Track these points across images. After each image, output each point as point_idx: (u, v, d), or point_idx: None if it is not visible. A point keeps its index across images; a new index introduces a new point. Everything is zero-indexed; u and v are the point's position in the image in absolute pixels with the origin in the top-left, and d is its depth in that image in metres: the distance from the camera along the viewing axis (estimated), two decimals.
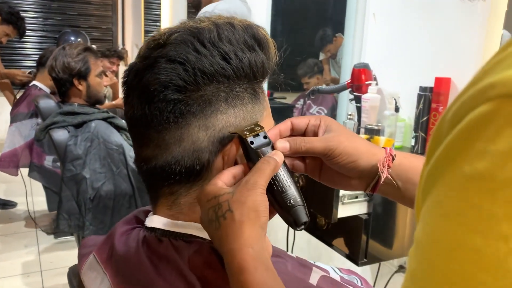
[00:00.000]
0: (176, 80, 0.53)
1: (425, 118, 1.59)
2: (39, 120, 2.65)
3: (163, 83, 0.53)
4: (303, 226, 0.52)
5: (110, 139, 1.80)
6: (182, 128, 0.54)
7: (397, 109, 1.67)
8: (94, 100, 1.92)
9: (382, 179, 0.56)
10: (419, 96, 1.60)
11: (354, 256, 1.52)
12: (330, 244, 1.62)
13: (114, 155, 1.78)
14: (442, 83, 1.54)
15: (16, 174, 2.88)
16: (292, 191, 0.52)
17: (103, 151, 1.76)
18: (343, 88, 1.88)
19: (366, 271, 1.90)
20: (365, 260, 1.52)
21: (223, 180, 0.52)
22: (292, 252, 1.92)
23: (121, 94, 3.92)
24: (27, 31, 3.28)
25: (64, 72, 1.79)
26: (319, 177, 0.61)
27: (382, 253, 1.62)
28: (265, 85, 0.63)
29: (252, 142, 0.53)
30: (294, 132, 0.59)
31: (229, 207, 0.48)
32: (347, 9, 1.97)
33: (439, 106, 1.54)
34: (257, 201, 0.49)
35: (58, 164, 2.95)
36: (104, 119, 1.85)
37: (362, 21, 1.92)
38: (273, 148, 0.55)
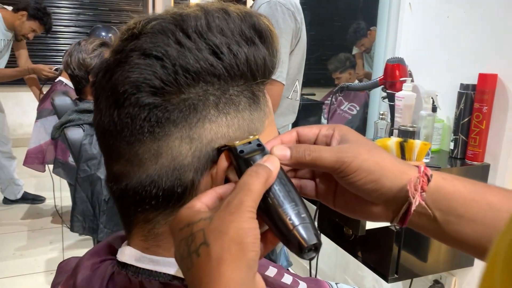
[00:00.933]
0: (151, 80, 0.42)
1: (466, 119, 1.42)
2: None
3: (135, 83, 0.42)
4: (312, 253, 0.39)
5: None
6: (160, 140, 0.43)
7: (434, 109, 1.51)
8: None
9: (414, 207, 0.42)
10: (460, 95, 1.44)
11: (384, 271, 1.38)
12: (357, 256, 1.49)
13: None
14: (487, 80, 1.37)
15: (43, 170, 2.88)
16: (293, 204, 0.39)
17: None
18: (375, 85, 1.73)
19: (397, 286, 1.75)
20: (396, 276, 1.37)
21: (204, 201, 0.40)
22: (317, 260, 1.80)
23: None
24: (59, 27, 3.27)
25: (80, 69, 1.72)
26: (334, 203, 0.48)
27: (416, 267, 1.47)
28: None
29: (242, 151, 0.42)
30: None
31: (205, 238, 0.36)
32: (380, 0, 1.82)
33: (483, 106, 1.37)
34: (242, 230, 0.36)
35: None
36: None
37: (397, 11, 1.75)
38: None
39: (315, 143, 0.46)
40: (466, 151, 1.44)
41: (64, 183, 3.27)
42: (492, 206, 0.42)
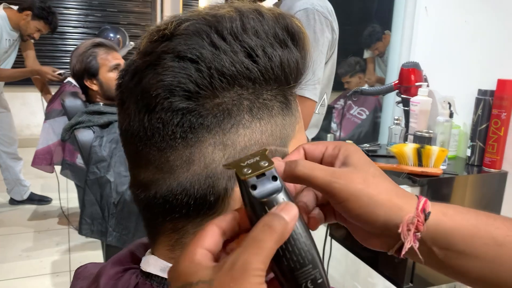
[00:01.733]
0: (186, 83, 0.40)
1: (484, 126, 1.39)
2: None
3: (168, 87, 0.40)
4: None
5: None
6: (192, 146, 0.41)
7: (451, 115, 1.48)
8: (113, 99, 1.82)
9: (406, 249, 0.39)
10: (478, 101, 1.41)
11: (398, 279, 1.35)
12: (371, 264, 1.46)
13: None
14: (506, 86, 1.34)
15: (51, 171, 2.86)
16: (310, 267, 0.34)
17: None
18: (390, 90, 1.71)
19: None
20: (410, 284, 1.34)
21: (206, 246, 0.34)
22: (328, 265, 1.77)
23: None
24: (68, 28, 3.26)
25: (75, 75, 1.72)
26: (335, 217, 0.44)
27: (430, 276, 1.44)
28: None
29: (254, 187, 0.36)
30: None
31: None
32: (395, 2, 1.79)
33: (501, 112, 1.35)
34: None
35: None
36: None
37: (412, 15, 1.73)
38: (286, 195, 0.36)
39: (321, 161, 0.43)
40: (483, 158, 1.41)
41: (71, 184, 3.26)
42: (497, 240, 0.39)
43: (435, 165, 1.29)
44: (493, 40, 1.41)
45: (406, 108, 1.67)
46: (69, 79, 2.91)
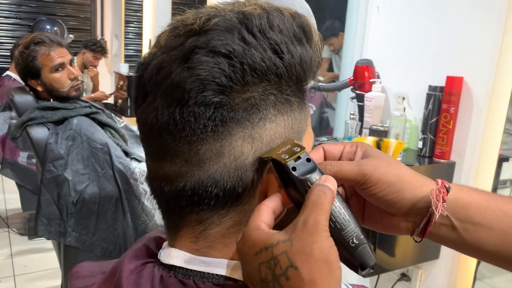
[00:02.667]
0: (219, 78, 0.41)
1: (434, 119, 1.50)
2: (13, 114, 2.47)
3: (202, 81, 0.41)
4: (369, 271, 0.41)
5: (94, 137, 1.65)
6: (223, 139, 0.42)
7: (404, 109, 1.58)
8: (58, 99, 1.72)
9: (437, 217, 0.44)
10: (429, 96, 1.51)
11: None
12: None
13: (99, 155, 1.64)
14: (454, 83, 1.45)
15: None
16: (353, 227, 0.41)
17: (87, 150, 1.62)
18: (345, 86, 1.78)
19: (364, 281, 1.81)
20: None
21: (265, 221, 0.41)
22: None
23: (103, 89, 3.74)
24: None
25: (18, 75, 1.64)
26: (363, 220, 0.50)
27: (386, 263, 1.54)
28: None
29: (294, 168, 0.42)
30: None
31: (291, 262, 0.37)
32: (348, 2, 1.87)
33: (450, 106, 1.46)
34: (325, 249, 0.37)
35: (33, 161, 2.77)
36: (87, 115, 1.70)
37: (365, 14, 1.81)
38: (320, 172, 0.43)
39: (340, 158, 0.48)
40: (434, 149, 1.52)
41: (8, 185, 3.08)
42: (507, 213, 0.45)
43: (393, 157, 1.37)
44: (441, 39, 1.52)
45: (360, 104, 1.76)
46: (8, 72, 2.74)
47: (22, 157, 2.63)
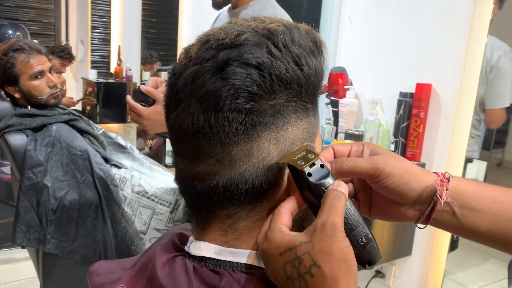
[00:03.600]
0: (251, 87, 0.45)
1: (405, 124, 1.59)
2: None
3: (237, 90, 0.45)
4: (374, 266, 0.47)
5: (74, 143, 1.64)
6: (253, 141, 0.47)
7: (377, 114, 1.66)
8: (37, 106, 1.69)
9: (442, 202, 0.50)
10: (400, 102, 1.60)
11: None
12: None
13: (78, 161, 1.63)
14: (423, 89, 1.55)
15: None
16: (362, 227, 0.47)
17: (66, 157, 1.61)
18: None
19: None
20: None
21: (286, 223, 0.46)
22: None
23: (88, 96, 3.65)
24: None
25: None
26: (370, 212, 0.56)
27: None
28: None
29: (309, 174, 0.47)
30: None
31: (313, 260, 0.42)
32: (322, 12, 1.95)
33: (420, 112, 1.55)
34: (343, 249, 0.42)
35: (2, 169, 2.70)
36: (66, 122, 1.69)
37: (338, 24, 1.90)
38: (333, 178, 0.48)
39: (348, 156, 0.55)
40: (405, 152, 1.61)
41: None
42: (497, 199, 0.52)
43: None
44: (411, 48, 1.62)
45: (335, 109, 1.83)
46: None
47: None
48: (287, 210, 0.47)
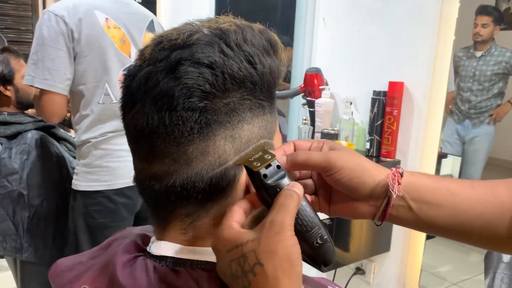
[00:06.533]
0: (204, 85, 0.46)
1: (379, 122, 1.62)
2: None
3: (189, 89, 0.46)
4: (331, 267, 0.48)
5: (50, 150, 1.63)
6: (208, 140, 0.48)
7: (352, 113, 1.68)
8: (26, 105, 1.72)
9: (394, 195, 0.51)
10: (373, 100, 1.63)
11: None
12: None
13: (54, 169, 1.62)
14: (396, 87, 1.57)
15: None
16: (317, 228, 0.46)
17: (42, 164, 1.59)
18: (296, 93, 1.87)
19: (321, 276, 1.90)
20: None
21: (237, 220, 0.45)
22: None
23: None
24: None
25: None
26: (329, 211, 0.57)
27: (343, 257, 1.63)
28: None
29: (265, 175, 0.47)
30: None
31: (257, 259, 0.41)
32: (296, 13, 1.97)
33: (393, 109, 1.58)
34: (289, 248, 0.42)
35: None
36: (42, 129, 1.68)
37: (312, 25, 1.92)
38: (289, 179, 0.48)
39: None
40: (380, 149, 1.63)
41: None
42: (453, 191, 0.53)
43: None
44: (383, 47, 1.65)
45: (311, 109, 1.85)
46: None
47: None
48: (240, 208, 0.47)
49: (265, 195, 0.47)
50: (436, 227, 0.53)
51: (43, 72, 1.37)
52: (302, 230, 0.45)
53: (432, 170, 1.57)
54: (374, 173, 0.52)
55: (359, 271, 1.78)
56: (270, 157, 0.47)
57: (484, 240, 0.53)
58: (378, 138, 1.63)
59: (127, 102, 0.51)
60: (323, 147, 0.54)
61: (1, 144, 1.56)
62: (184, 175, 0.48)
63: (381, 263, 1.72)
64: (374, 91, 1.63)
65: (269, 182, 0.46)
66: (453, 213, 0.52)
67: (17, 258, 1.56)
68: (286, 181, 0.47)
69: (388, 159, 1.61)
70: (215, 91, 0.47)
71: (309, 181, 0.56)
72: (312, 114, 1.83)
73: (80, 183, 1.46)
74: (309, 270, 1.81)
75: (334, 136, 1.64)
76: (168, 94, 0.47)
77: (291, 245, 0.42)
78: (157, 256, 0.51)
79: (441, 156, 1.69)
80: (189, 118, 0.47)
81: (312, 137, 1.81)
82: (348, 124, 1.64)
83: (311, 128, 1.79)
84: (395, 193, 0.51)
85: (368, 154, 1.66)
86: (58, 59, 1.38)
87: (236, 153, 0.49)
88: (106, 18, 1.46)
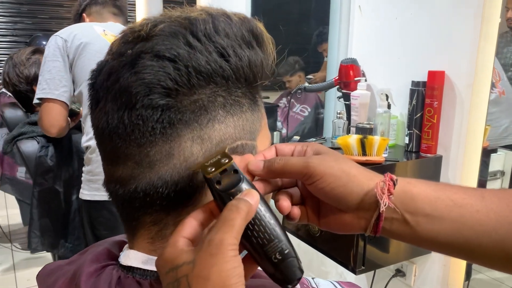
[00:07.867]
0: (165, 81, 0.42)
1: (419, 115, 1.51)
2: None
3: (148, 85, 0.42)
4: (296, 284, 0.40)
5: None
6: (172, 141, 0.43)
7: (389, 106, 1.58)
8: None
9: (383, 208, 0.43)
10: (412, 92, 1.52)
11: (352, 264, 1.43)
12: (324, 252, 1.53)
13: None
14: (436, 77, 1.45)
15: None
16: (276, 241, 0.40)
17: (77, 162, 1.63)
18: (331, 86, 1.79)
19: (360, 277, 1.82)
20: (363, 267, 1.43)
21: (186, 235, 0.40)
22: None
23: None
24: None
25: (21, 83, 1.65)
26: (319, 222, 0.50)
27: (380, 259, 1.53)
28: None
29: (219, 182, 0.41)
30: None
31: (189, 286, 0.36)
32: (331, 3, 1.88)
33: (433, 101, 1.46)
34: (224, 272, 0.35)
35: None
36: (77, 128, 1.72)
37: (348, 14, 1.83)
38: (248, 184, 0.42)
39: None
40: (420, 144, 1.52)
41: (10, 201, 3.10)
42: (456, 202, 0.44)
43: (378, 154, 1.38)
44: (422, 35, 1.53)
45: (347, 102, 1.76)
46: (4, 90, 2.78)
47: (21, 172, 2.65)
48: (193, 219, 0.41)
49: (220, 204, 0.41)
50: (437, 243, 0.45)
51: (42, 85, 1.44)
52: (258, 244, 0.40)
53: (476, 166, 1.44)
54: (362, 181, 0.45)
55: (399, 273, 1.68)
56: (227, 161, 0.41)
57: (495, 260, 0.44)
58: (417, 132, 1.52)
59: (92, 100, 0.48)
60: (306, 151, 0.48)
61: (38, 143, 1.61)
62: (147, 180, 0.44)
63: (422, 265, 1.61)
64: (413, 82, 1.51)
65: (220, 189, 0.41)
66: (457, 227, 0.44)
67: (55, 254, 1.62)
68: (242, 187, 0.41)
69: (428, 155, 1.50)
70: (179, 87, 0.42)
71: (295, 190, 0.50)
72: (348, 108, 1.75)
73: (84, 191, 1.48)
74: (347, 274, 1.72)
75: (369, 131, 1.55)
76: (127, 91, 0.43)
77: (229, 268, 0.36)
78: (125, 266, 0.48)
79: (490, 150, 1.54)
80: (149, 117, 0.42)
81: (348, 132, 1.72)
82: (384, 118, 1.54)
83: (346, 122, 1.71)
84: (384, 204, 0.44)
85: (407, 150, 1.56)
86: (54, 69, 1.45)
87: (205, 156, 0.44)
88: (104, 30, 1.54)
